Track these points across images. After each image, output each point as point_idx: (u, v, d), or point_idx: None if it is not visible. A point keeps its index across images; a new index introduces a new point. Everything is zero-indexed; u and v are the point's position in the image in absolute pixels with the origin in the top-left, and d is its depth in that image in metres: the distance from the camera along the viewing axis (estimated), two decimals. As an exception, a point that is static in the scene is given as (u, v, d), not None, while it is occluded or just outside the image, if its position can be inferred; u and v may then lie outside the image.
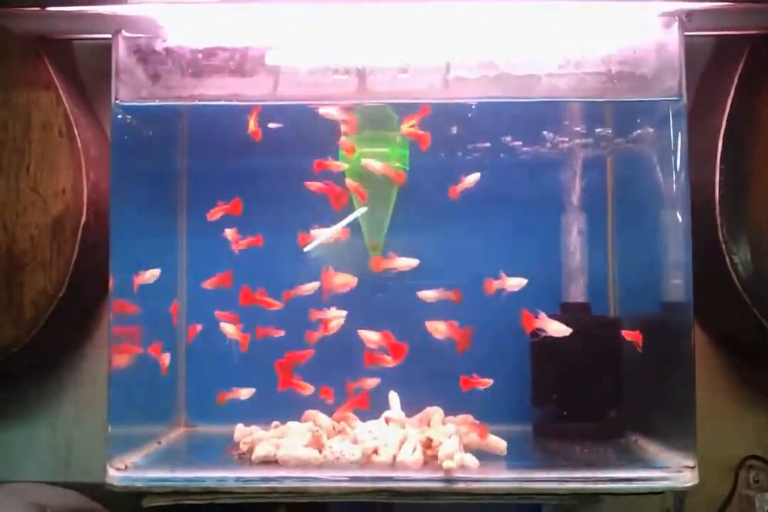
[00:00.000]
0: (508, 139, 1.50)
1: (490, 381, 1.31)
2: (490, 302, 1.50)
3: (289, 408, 1.41)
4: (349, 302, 1.44)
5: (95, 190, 1.48)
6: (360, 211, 1.48)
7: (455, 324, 1.35)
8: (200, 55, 1.30)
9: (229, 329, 1.42)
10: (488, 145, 1.50)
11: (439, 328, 1.36)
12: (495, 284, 1.38)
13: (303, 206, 1.51)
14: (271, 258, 1.55)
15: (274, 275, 1.50)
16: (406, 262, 1.39)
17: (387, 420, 1.38)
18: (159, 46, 1.30)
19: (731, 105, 1.44)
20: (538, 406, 1.49)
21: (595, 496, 1.20)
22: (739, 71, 1.44)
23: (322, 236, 1.46)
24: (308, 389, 1.37)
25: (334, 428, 1.35)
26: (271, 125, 1.37)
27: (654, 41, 1.30)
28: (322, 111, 1.34)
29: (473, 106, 1.35)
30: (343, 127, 1.37)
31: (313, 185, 1.38)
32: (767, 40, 1.43)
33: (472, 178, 1.39)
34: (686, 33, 1.30)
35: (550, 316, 1.47)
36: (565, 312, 1.51)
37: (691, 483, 1.20)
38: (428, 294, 1.39)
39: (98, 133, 1.57)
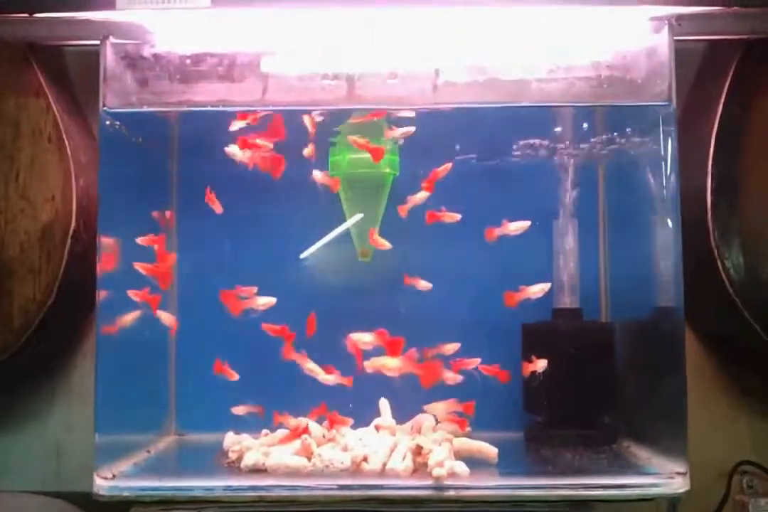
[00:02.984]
0: (498, 144, 1.49)
1: (477, 360, 1.33)
2: (482, 310, 1.50)
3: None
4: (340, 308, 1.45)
5: (85, 197, 1.48)
6: (355, 218, 1.48)
7: (385, 332, 1.35)
8: (189, 61, 1.29)
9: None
10: (478, 150, 1.50)
11: (363, 339, 1.35)
12: (516, 296, 1.39)
13: (294, 210, 1.52)
14: (263, 263, 1.55)
15: (267, 279, 1.50)
16: (538, 288, 1.40)
17: (377, 428, 1.37)
18: (147, 51, 1.30)
19: (722, 110, 1.43)
20: (529, 413, 1.48)
21: (587, 503, 1.19)
22: (730, 76, 1.44)
23: (318, 243, 1.46)
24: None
25: (324, 436, 1.34)
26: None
27: (644, 46, 1.30)
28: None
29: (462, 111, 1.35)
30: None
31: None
32: (757, 45, 1.43)
33: (518, 225, 1.41)
34: (676, 38, 1.30)
35: (542, 323, 1.48)
36: (557, 318, 1.51)
37: (682, 490, 1.19)
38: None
39: (88, 140, 1.56)
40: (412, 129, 1.39)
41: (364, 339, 1.35)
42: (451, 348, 1.39)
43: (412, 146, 1.48)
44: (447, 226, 1.47)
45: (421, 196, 1.41)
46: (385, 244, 1.43)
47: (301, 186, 1.45)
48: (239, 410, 1.44)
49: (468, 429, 1.41)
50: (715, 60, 1.52)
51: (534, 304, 1.46)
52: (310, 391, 1.41)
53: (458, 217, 1.41)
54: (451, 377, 1.36)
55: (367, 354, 1.36)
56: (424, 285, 1.43)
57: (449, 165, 1.42)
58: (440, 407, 1.37)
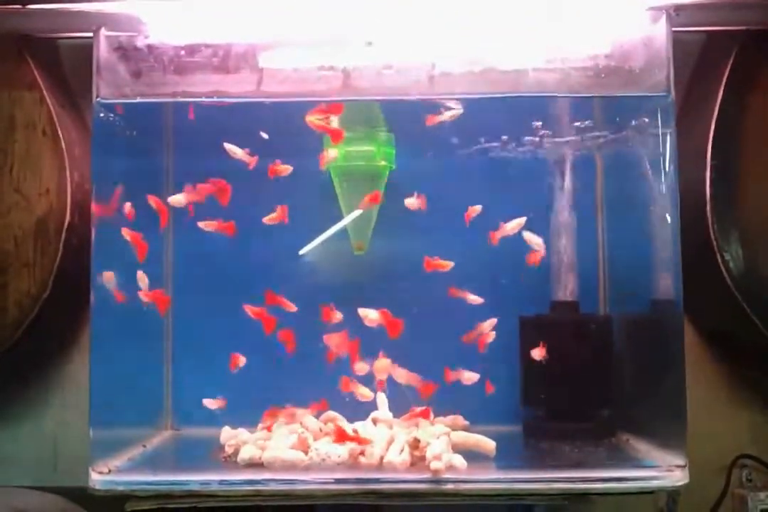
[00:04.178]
0: (495, 135, 1.48)
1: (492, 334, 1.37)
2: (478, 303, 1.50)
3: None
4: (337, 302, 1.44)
5: (79, 190, 1.47)
6: (354, 215, 1.47)
7: (387, 312, 1.35)
8: (183, 52, 1.28)
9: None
10: (475, 141, 1.49)
11: (369, 316, 1.35)
12: (496, 234, 1.40)
13: (290, 202, 1.50)
14: (259, 256, 1.54)
15: (261, 272, 1.49)
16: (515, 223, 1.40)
17: (374, 421, 1.36)
18: (141, 42, 1.29)
19: (721, 102, 1.43)
20: (528, 406, 1.48)
21: (585, 496, 1.18)
22: (728, 68, 1.44)
23: (318, 239, 1.46)
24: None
25: (321, 429, 1.33)
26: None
27: (642, 36, 1.29)
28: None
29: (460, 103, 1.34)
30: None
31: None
32: (756, 36, 1.42)
33: (515, 223, 1.40)
34: (674, 28, 1.29)
35: (540, 316, 1.48)
36: (554, 311, 1.50)
37: (681, 482, 1.18)
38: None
39: (83, 133, 1.55)
40: (459, 111, 1.36)
41: (370, 315, 1.35)
42: (489, 324, 1.40)
43: (408, 138, 1.47)
44: (443, 218, 1.46)
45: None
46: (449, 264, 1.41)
47: (300, 181, 1.44)
48: (210, 403, 1.44)
49: (466, 422, 1.41)
50: (713, 51, 1.51)
51: (532, 297, 1.46)
52: (309, 385, 1.40)
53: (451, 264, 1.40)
54: (468, 377, 1.37)
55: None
56: (473, 298, 1.41)
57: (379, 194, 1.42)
58: (403, 374, 1.37)
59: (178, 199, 1.38)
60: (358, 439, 1.26)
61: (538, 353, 1.38)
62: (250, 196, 1.50)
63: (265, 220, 1.40)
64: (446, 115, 1.36)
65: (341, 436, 1.27)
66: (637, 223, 1.42)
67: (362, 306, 1.38)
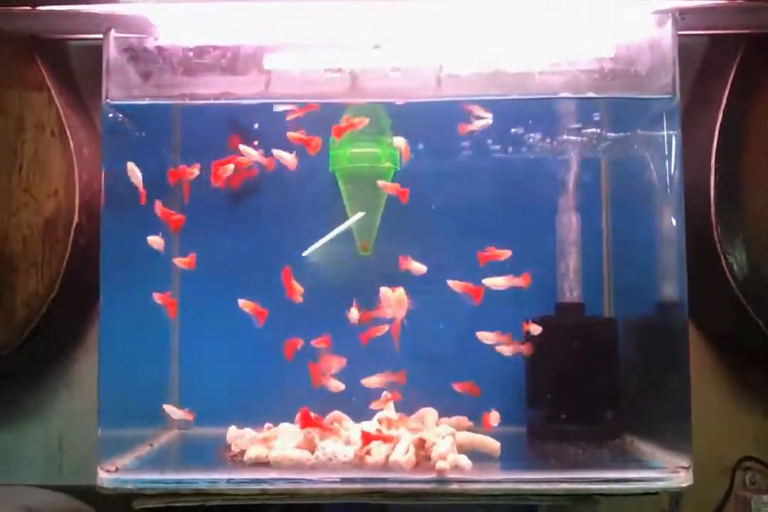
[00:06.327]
0: (501, 137, 1.49)
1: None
2: (483, 303, 1.50)
3: (283, 410, 1.40)
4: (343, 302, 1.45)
5: (88, 191, 1.48)
6: (357, 216, 1.47)
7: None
8: (192, 54, 1.29)
9: None
10: (481, 143, 1.49)
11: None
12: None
13: (297, 205, 1.51)
14: (265, 263, 1.54)
15: (266, 273, 1.49)
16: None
17: (380, 421, 1.37)
18: (150, 44, 1.29)
19: (726, 105, 1.43)
20: (532, 407, 1.48)
21: (590, 497, 1.19)
22: (733, 71, 1.44)
23: (321, 240, 1.46)
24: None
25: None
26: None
27: (648, 39, 1.30)
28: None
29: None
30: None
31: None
32: (761, 40, 1.43)
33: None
34: (680, 32, 1.30)
35: (544, 318, 1.48)
36: (559, 313, 1.50)
37: (685, 484, 1.19)
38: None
39: (91, 133, 1.56)
40: (489, 121, 1.36)
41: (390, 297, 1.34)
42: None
43: (414, 140, 1.48)
44: (448, 220, 1.47)
45: None
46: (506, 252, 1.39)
47: (305, 182, 1.45)
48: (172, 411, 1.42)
49: (471, 423, 1.41)
50: (719, 55, 1.52)
51: (537, 299, 1.46)
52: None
53: (509, 253, 1.38)
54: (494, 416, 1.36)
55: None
56: (532, 331, 1.40)
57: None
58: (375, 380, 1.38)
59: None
60: (383, 437, 1.26)
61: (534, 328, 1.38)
62: (257, 197, 1.51)
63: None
64: (476, 125, 1.37)
65: (367, 438, 1.26)
66: (642, 225, 1.43)
67: (366, 307, 1.39)
